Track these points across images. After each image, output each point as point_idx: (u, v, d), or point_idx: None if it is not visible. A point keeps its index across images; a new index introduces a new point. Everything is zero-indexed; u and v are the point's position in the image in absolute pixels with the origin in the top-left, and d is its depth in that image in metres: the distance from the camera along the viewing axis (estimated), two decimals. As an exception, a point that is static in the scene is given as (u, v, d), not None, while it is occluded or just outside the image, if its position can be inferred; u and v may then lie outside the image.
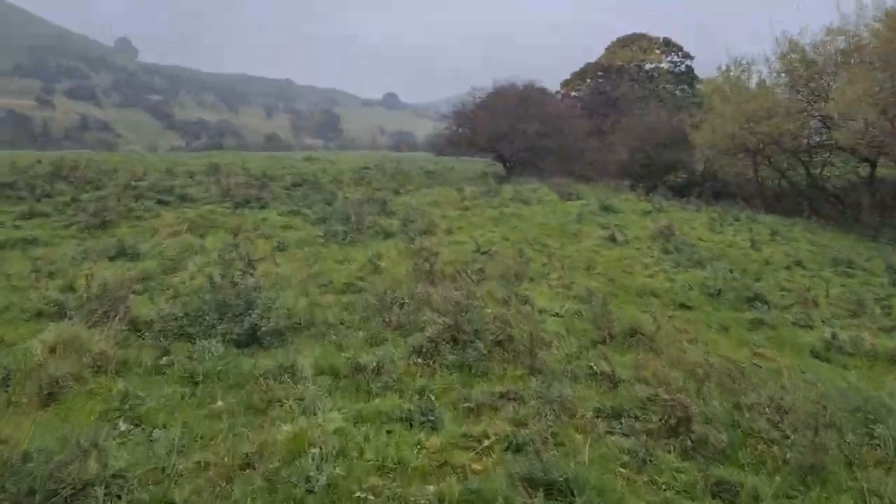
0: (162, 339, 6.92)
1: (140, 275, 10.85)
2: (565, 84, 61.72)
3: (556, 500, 4.26)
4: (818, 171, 34.12)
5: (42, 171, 29.17)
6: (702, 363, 6.76)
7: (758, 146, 31.89)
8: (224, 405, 5.34)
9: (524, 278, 12.47)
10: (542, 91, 48.13)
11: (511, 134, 40.92)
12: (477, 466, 4.58)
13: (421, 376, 6.20)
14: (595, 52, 75.94)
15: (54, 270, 11.21)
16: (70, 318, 7.27)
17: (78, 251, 12.80)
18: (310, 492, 4.16)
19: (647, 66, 60.90)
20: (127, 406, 5.21)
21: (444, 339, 6.60)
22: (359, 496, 4.16)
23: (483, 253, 14.10)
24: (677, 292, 12.88)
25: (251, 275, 10.03)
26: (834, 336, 9.77)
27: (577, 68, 61.63)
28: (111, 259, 12.20)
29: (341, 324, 7.97)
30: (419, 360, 6.46)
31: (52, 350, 6.20)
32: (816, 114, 31.28)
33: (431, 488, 4.29)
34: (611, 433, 5.25)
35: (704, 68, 57.09)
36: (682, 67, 61.11)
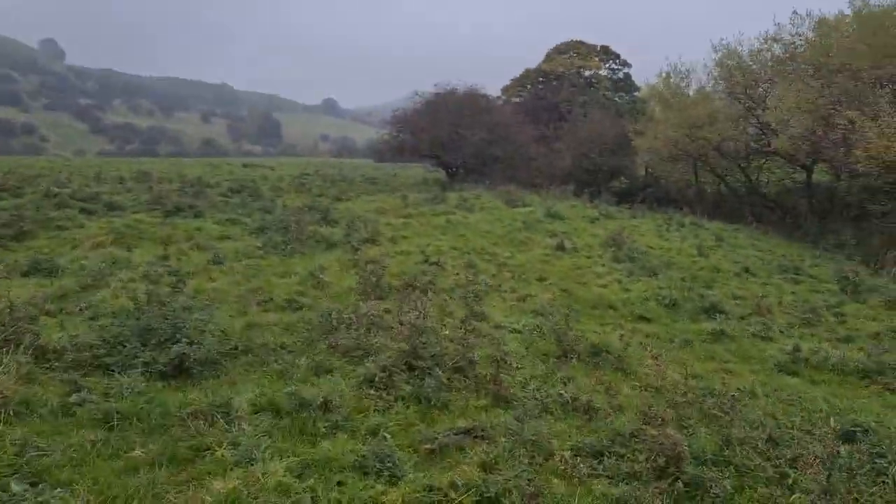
0: (73, 371, 6.03)
1: (56, 293, 9.83)
2: (506, 90, 61.68)
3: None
4: (755, 176, 34.65)
5: (-46, 178, 27.28)
6: (677, 385, 6.24)
7: (699, 152, 32.17)
8: (143, 455, 4.54)
9: (476, 291, 11.88)
10: (485, 97, 47.82)
11: (457, 141, 40.47)
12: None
13: (375, 411, 5.48)
14: (534, 59, 76.28)
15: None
16: (-34, 347, 6.30)
17: (-15, 266, 11.61)
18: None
19: (586, 73, 61.28)
20: (24, 460, 4.36)
21: (398, 368, 5.91)
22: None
23: (431, 264, 13.45)
24: (634, 303, 12.48)
25: (181, 292, 9.16)
26: (796, 348, 9.45)
27: (516, 74, 61.67)
28: (24, 275, 11.10)
29: (282, 348, 7.18)
30: (371, 392, 5.73)
31: (-61, 389, 5.28)
32: (754, 120, 31.72)
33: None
34: (594, 475, 4.65)
35: (641, 76, 57.96)
36: (621, 75, 61.79)
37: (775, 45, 30.55)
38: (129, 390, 5.46)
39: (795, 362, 8.99)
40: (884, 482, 4.59)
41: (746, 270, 17.06)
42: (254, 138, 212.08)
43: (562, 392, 5.93)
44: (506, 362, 6.27)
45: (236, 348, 7.00)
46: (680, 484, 4.40)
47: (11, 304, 7.86)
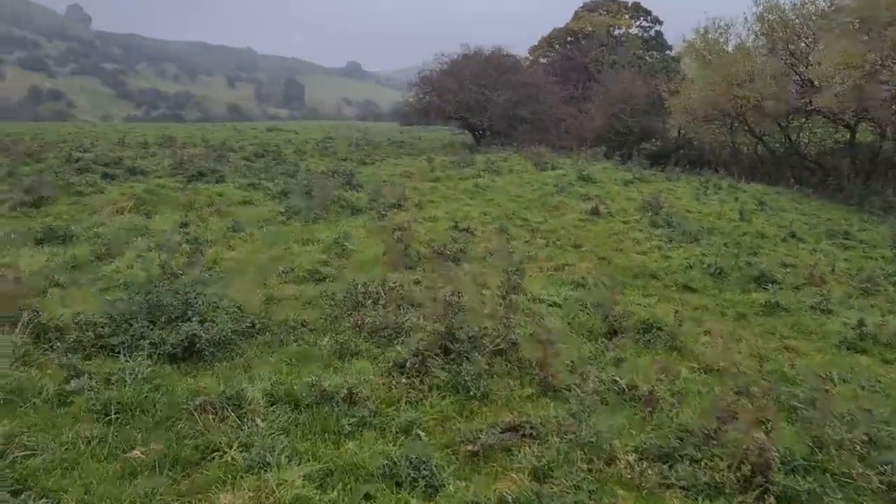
0: (74, 353, 5.48)
1: (68, 262, 9.33)
2: (533, 50, 60.03)
3: None
4: (795, 136, 33.26)
5: (-24, 144, 27.04)
6: (740, 366, 5.53)
7: (737, 111, 30.83)
8: (143, 456, 3.97)
9: (510, 260, 11.19)
10: (512, 58, 46.50)
11: (483, 102, 39.43)
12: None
13: (406, 403, 4.85)
14: (563, 18, 74.20)
15: (-31, 259, 9.61)
16: (-36, 325, 5.78)
17: (1, 234, 11.16)
18: None
19: (616, 31, 59.35)
20: (5, 463, 3.81)
21: (432, 351, 5.26)
22: None
23: (461, 230, 12.75)
24: (676, 272, 11.71)
25: (198, 263, 8.60)
26: (861, 323, 8.64)
27: (544, 33, 59.95)
28: (38, 243, 10.61)
29: (303, 325, 6.57)
30: (403, 380, 5.11)
31: (-73, 373, 4.75)
32: (796, 77, 30.28)
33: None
34: (665, 485, 3.98)
35: (673, 34, 56.01)
36: (652, 32, 59.71)
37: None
38: (134, 376, 4.88)
39: (863, 339, 8.19)
40: None
41: (793, 236, 16.13)
42: (278, 102, 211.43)
43: (616, 378, 5.26)
44: (552, 343, 5.59)
45: (253, 326, 6.39)
46: (772, 499, 3.72)
47: (18, 278, 7.36)
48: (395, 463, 3.92)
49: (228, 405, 4.37)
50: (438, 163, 26.24)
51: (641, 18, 59.85)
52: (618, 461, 4.10)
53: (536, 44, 60.06)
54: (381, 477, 3.88)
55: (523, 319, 6.63)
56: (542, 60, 58.41)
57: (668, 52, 55.64)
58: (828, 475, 4.11)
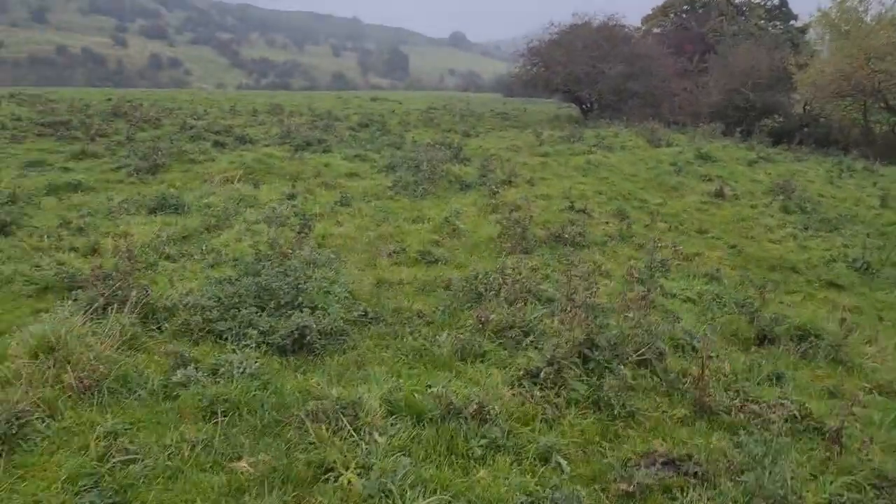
0: (181, 337, 5.18)
1: (179, 233, 9.21)
2: (647, 20, 57.30)
3: None
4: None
5: (102, 109, 28.12)
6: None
7: (875, 87, 28.24)
8: (250, 469, 3.55)
9: (631, 245, 10.38)
10: (624, 28, 44.48)
11: (593, 75, 37.89)
12: None
13: (542, 421, 4.26)
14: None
15: (85, 225, 9.67)
16: (75, 299, 5.58)
17: (118, 201, 11.24)
18: None
19: (737, 0, 55.86)
20: (105, 469, 3.48)
21: (570, 360, 4.62)
22: None
23: (578, 211, 11.97)
24: (818, 266, 10.58)
25: (307, 237, 8.25)
26: None
27: (659, 2, 57.07)
28: (151, 212, 10.60)
29: (419, 317, 6.07)
30: (537, 394, 4.52)
31: (35, 355, 4.52)
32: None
33: None
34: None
35: (798, 4, 52.10)
36: (776, 1, 55.85)
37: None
38: (242, 370, 4.50)
39: None
40: None
41: (947, 228, 14.47)
42: (381, 72, 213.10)
43: (783, 400, 4.48)
44: (708, 355, 4.79)
45: (365, 314, 5.94)
46: None
47: (130, 251, 7.19)
48: (536, 502, 3.35)
49: (343, 414, 3.90)
50: (546, 137, 25.34)
51: (765, -15, 56.14)
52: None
53: (650, 13, 57.35)
54: (521, 519, 3.31)
55: (658, 318, 5.87)
56: (656, 30, 55.76)
57: (792, 22, 52.00)
58: None
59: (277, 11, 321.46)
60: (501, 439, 3.88)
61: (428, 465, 3.68)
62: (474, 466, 3.73)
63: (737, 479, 3.56)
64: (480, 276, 6.25)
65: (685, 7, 56.25)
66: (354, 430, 3.82)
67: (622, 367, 4.67)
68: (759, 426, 4.10)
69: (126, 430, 3.90)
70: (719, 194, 15.50)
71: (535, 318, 5.51)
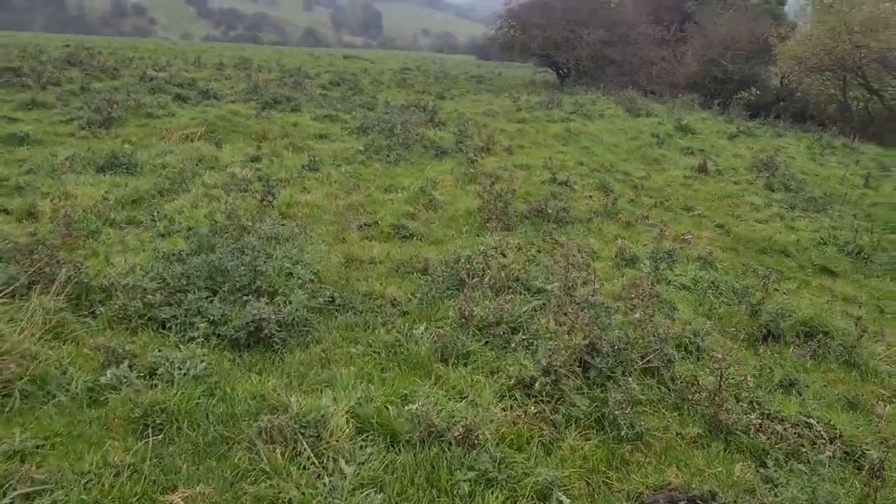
0: (116, 325, 4.46)
1: (128, 196, 8.38)
2: (625, -15, 56.27)
3: None
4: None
5: (56, 56, 26.58)
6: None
7: (857, 63, 27.83)
8: (185, 506, 2.90)
9: (617, 222, 9.80)
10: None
11: (571, 40, 37.02)
12: None
13: (538, 444, 3.64)
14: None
15: (25, 184, 8.79)
16: (-2, 276, 4.81)
17: (63, 157, 10.30)
18: None
19: (716, -31, 54.93)
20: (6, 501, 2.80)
21: (569, 369, 3.99)
22: None
23: (560, 184, 11.34)
24: (808, 248, 10.12)
25: (270, 207, 7.51)
26: None
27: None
28: (100, 170, 9.72)
29: (392, 305, 5.39)
30: (531, 410, 3.90)
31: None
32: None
33: None
34: None
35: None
36: (755, -29, 55.08)
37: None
38: (184, 371, 3.81)
39: None
40: None
41: (934, 210, 14.14)
42: (354, 29, 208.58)
43: (808, 419, 3.93)
44: (723, 360, 4.18)
45: (332, 301, 5.25)
46: None
47: (68, 216, 6.39)
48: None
49: (303, 434, 3.24)
50: (524, 102, 24.62)
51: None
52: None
53: (629, -22, 56.28)
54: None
55: (663, 319, 5.27)
56: (633, -4, 54.80)
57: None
58: None
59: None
60: (493, 471, 3.24)
61: (405, 502, 3.05)
62: (461, 508, 3.11)
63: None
64: (462, 260, 5.58)
65: (664, -27, 55.28)
66: (316, 455, 3.17)
67: (628, 376, 4.07)
68: (787, 452, 3.55)
69: (37, 448, 3.20)
70: (702, 169, 14.97)
71: (524, 312, 4.88)
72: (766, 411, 4.16)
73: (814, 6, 30.77)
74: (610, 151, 16.18)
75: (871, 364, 5.42)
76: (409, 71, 39.78)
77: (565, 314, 4.24)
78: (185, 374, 3.81)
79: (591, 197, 11.05)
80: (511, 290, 5.33)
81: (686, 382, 4.32)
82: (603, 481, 3.44)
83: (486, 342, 4.64)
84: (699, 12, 44.24)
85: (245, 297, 4.71)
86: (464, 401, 3.85)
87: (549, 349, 3.95)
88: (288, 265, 5.42)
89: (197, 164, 10.44)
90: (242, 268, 4.96)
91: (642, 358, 4.29)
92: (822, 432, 3.87)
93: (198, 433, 3.44)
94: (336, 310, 5.19)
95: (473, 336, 4.68)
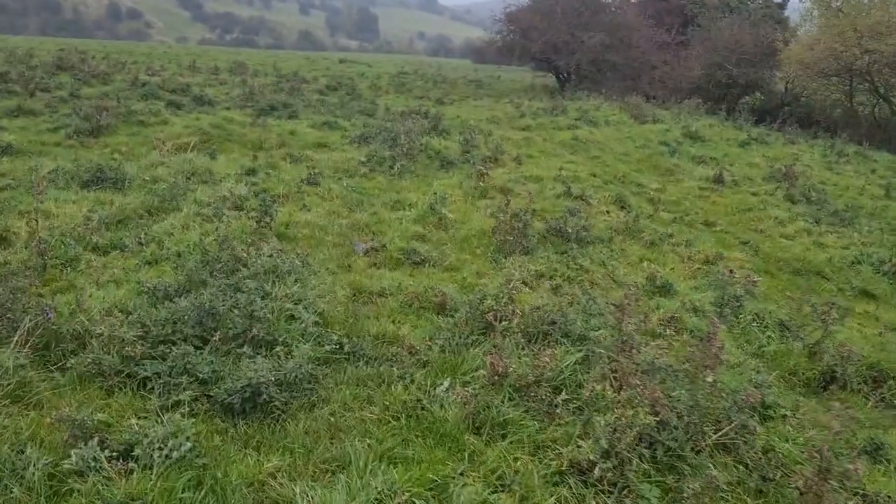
0: (88, 385, 3.77)
1: (114, 215, 7.69)
2: (625, -11, 55.73)
3: None
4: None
5: (46, 60, 25.86)
6: None
7: (866, 68, 27.24)
8: None
9: (640, 241, 9.13)
10: (603, -5, 42.96)
11: (572, 44, 36.40)
12: None
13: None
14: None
15: (1, 202, 8.09)
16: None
17: (47, 171, 9.60)
18: None
19: (716, -28, 54.41)
20: None
21: (634, 451, 3.28)
22: None
23: (575, 198, 10.68)
24: (841, 268, 9.48)
25: (268, 230, 6.84)
26: None
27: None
28: (84, 186, 9.02)
29: (410, 353, 4.70)
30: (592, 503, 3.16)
31: None
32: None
33: None
34: None
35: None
36: (756, -25, 54.58)
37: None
38: (165, 453, 3.13)
39: None
40: None
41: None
42: (350, 33, 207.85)
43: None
44: (769, 410, 3.53)
45: (340, 348, 4.56)
46: None
47: (41, 242, 5.73)
48: None
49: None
50: (527, 108, 23.98)
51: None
52: None
53: (629, -19, 55.74)
54: None
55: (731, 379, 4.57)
56: (633, 0, 54.28)
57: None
58: None
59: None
60: None
61: None
62: None
63: None
64: (488, 299, 4.87)
65: (664, -23, 54.77)
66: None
67: (702, 455, 3.39)
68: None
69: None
70: (718, 180, 14.34)
71: (566, 367, 4.19)
72: (861, 490, 3.50)
73: (821, 10, 30.16)
74: (621, 161, 15.53)
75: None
76: (406, 75, 39.16)
77: (626, 380, 3.56)
78: (166, 457, 3.13)
79: (608, 212, 10.40)
80: (547, 337, 4.66)
81: (767, 459, 3.65)
82: None
83: (526, 409, 3.93)
84: (701, 16, 43.73)
85: (239, 350, 4.03)
86: (507, 491, 3.17)
87: (610, 426, 3.27)
88: (289, 305, 4.74)
89: (189, 179, 9.75)
90: (237, 311, 4.29)
91: (715, 430, 3.63)
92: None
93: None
94: (345, 359, 4.49)
95: (509, 398, 3.98)
